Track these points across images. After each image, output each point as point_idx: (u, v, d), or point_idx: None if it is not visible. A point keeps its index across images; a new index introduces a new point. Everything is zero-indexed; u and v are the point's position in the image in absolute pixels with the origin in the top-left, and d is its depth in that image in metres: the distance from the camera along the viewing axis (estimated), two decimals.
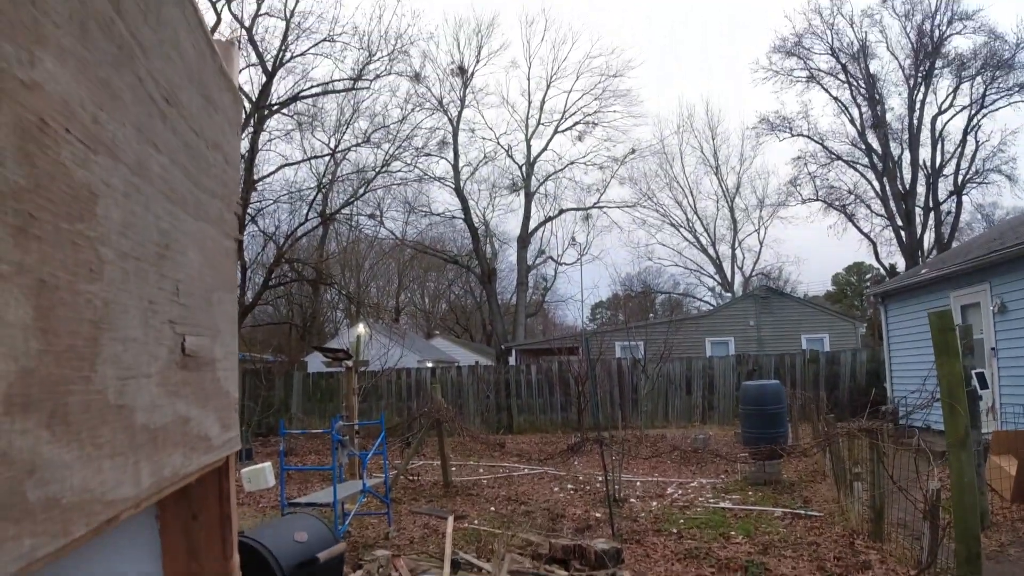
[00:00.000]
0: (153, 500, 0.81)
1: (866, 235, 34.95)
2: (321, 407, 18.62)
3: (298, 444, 15.48)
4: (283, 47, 23.92)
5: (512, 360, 28.23)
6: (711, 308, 34.05)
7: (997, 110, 31.62)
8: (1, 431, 0.50)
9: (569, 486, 10.28)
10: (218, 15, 21.70)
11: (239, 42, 22.47)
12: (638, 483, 10.26)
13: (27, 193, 0.56)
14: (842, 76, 33.69)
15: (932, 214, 32.83)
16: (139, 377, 0.76)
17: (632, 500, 9.04)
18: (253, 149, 22.84)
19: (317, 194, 26.76)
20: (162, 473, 0.83)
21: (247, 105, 21.35)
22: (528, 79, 42.54)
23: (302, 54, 24.73)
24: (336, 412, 13.78)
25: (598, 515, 8.14)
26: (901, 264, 32.66)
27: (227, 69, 1.31)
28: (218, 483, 1.25)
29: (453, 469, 11.05)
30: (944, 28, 31.58)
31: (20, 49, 0.57)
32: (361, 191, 27.92)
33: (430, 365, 23.45)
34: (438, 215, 36.25)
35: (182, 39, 1.01)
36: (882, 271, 36.46)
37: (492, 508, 8.88)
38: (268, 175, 25.36)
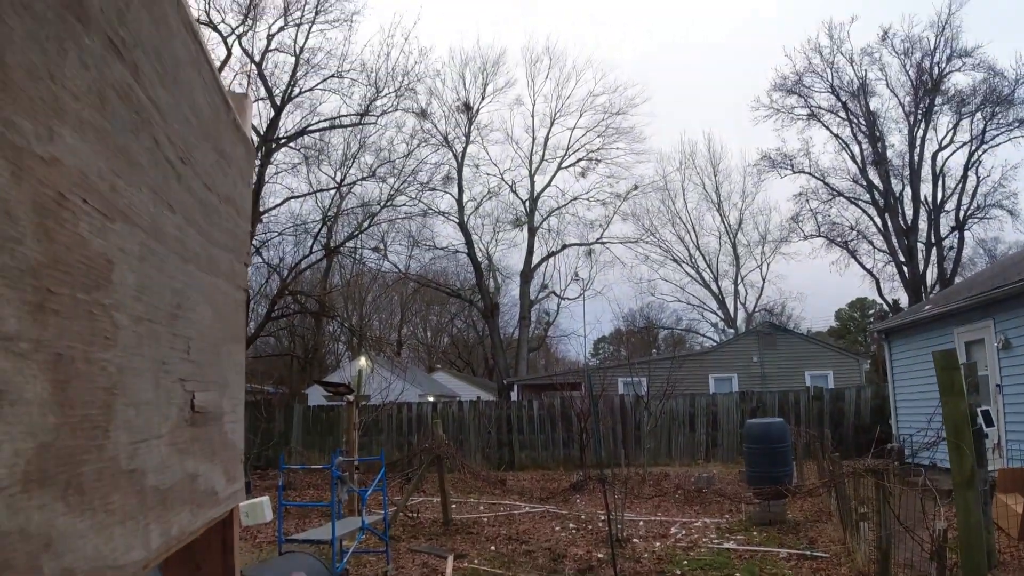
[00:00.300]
0: (161, 559, 0.81)
1: (868, 271, 34.98)
2: (321, 440, 18.50)
3: (297, 478, 15.35)
4: (292, 82, 24.30)
5: (514, 395, 28.11)
6: (714, 344, 33.92)
7: (997, 146, 31.83)
8: (20, 508, 0.50)
9: (571, 525, 10.16)
10: (229, 50, 22.04)
11: (249, 76, 22.78)
12: (641, 523, 10.15)
13: (45, 268, 0.56)
14: (842, 113, 33.98)
15: (934, 249, 32.87)
16: (150, 439, 0.77)
17: (635, 540, 8.93)
18: (260, 182, 23.05)
19: (322, 227, 26.94)
20: (170, 533, 0.83)
21: (255, 139, 21.58)
22: (532, 116, 42.88)
23: (311, 89, 25.10)
24: (336, 446, 13.69)
25: (600, 555, 8.04)
26: (904, 300, 32.60)
27: (240, 121, 1.33)
28: (221, 534, 1.25)
29: (453, 506, 10.94)
30: (943, 65, 31.91)
31: (39, 125, 0.57)
32: (366, 224, 28.09)
33: (431, 399, 23.34)
34: (442, 249, 36.35)
35: (198, 98, 1.03)
36: (885, 307, 36.39)
37: (492, 547, 8.78)
38: (274, 207, 25.60)
